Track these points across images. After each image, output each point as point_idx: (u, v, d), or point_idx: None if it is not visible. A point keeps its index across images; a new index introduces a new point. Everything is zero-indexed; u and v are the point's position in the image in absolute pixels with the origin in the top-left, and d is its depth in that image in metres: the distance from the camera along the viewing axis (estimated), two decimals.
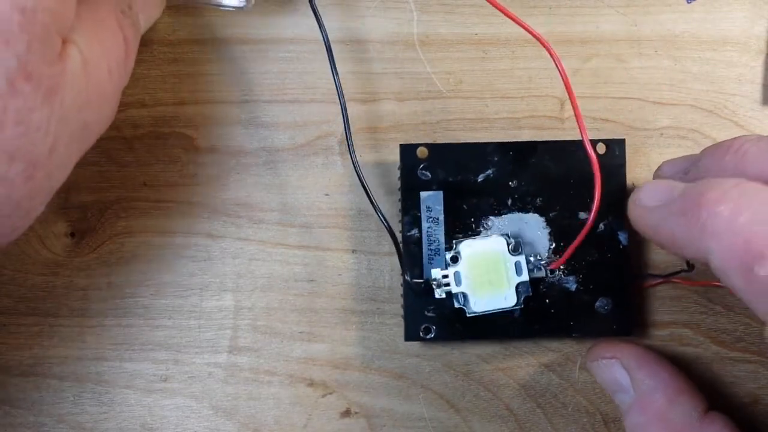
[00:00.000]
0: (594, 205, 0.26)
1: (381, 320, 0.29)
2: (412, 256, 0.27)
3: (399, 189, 0.28)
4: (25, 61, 0.18)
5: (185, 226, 0.29)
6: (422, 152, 0.27)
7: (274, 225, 0.29)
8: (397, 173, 0.28)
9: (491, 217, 0.28)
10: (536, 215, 0.28)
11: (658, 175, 0.27)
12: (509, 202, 0.28)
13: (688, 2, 0.30)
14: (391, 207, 0.29)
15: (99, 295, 0.29)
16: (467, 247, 0.27)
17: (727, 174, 0.23)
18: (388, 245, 0.29)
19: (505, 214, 0.28)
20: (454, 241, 0.27)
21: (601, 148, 0.28)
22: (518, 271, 0.27)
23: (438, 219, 0.27)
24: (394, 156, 0.28)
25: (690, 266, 0.27)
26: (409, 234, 0.27)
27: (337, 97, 0.27)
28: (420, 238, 0.27)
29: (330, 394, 0.29)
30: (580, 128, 0.25)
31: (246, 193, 0.29)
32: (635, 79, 0.30)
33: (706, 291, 0.29)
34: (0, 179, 0.19)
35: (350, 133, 0.27)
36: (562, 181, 0.28)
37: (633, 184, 0.29)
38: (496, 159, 0.28)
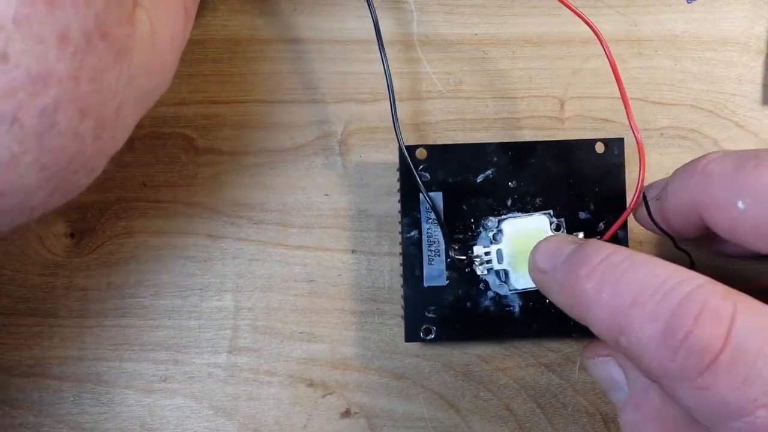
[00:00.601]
0: (638, 185, 0.26)
1: (381, 320, 0.29)
2: (411, 257, 0.27)
3: (398, 190, 0.28)
4: (102, 20, 0.18)
5: (185, 226, 0.29)
6: (421, 153, 0.27)
7: (274, 225, 0.29)
8: (397, 174, 0.28)
9: (491, 218, 0.28)
10: (542, 216, 0.28)
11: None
12: (509, 202, 0.28)
13: (688, 2, 0.30)
14: (390, 208, 0.29)
15: (99, 295, 0.29)
16: (509, 225, 0.27)
17: (695, 196, 0.23)
18: (388, 245, 0.29)
19: (506, 214, 0.28)
20: (497, 219, 0.27)
21: (600, 147, 0.28)
22: None
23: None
24: (394, 156, 0.28)
25: (691, 264, 0.27)
26: (408, 235, 0.27)
27: (387, 91, 0.27)
28: (420, 239, 0.27)
29: (330, 394, 0.29)
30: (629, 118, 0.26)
31: (246, 193, 0.29)
32: (635, 79, 0.30)
33: None
34: (73, 134, 0.19)
35: (397, 122, 0.27)
36: (561, 181, 0.28)
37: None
38: (495, 159, 0.28)
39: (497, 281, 0.27)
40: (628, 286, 0.21)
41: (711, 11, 0.30)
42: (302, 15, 0.29)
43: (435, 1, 0.29)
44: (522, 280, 0.27)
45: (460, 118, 0.29)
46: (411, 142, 0.29)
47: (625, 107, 0.26)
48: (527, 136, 0.29)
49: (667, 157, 0.29)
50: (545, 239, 0.25)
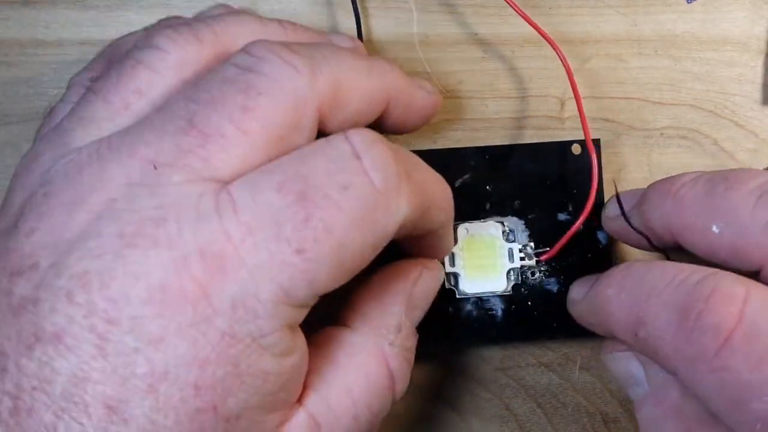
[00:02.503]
0: (591, 195, 0.26)
1: None
2: None
3: None
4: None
5: None
6: None
7: None
8: None
9: (468, 222, 0.28)
10: (515, 218, 0.28)
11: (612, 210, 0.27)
12: (487, 206, 0.28)
13: (688, 2, 0.30)
14: None
15: None
16: (464, 230, 0.27)
17: (669, 220, 0.23)
18: None
19: (484, 218, 0.28)
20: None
21: (577, 149, 0.28)
22: (510, 258, 0.27)
23: None
24: None
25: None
26: None
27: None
28: None
29: None
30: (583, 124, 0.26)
31: None
32: (635, 79, 0.30)
33: None
34: None
35: None
36: (539, 183, 0.28)
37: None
38: (472, 164, 0.28)
39: (447, 283, 0.27)
40: (645, 282, 0.21)
41: (711, 11, 0.30)
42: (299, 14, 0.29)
43: (435, 1, 0.29)
44: (472, 285, 0.27)
45: (460, 118, 0.29)
46: (409, 144, 0.29)
47: (579, 109, 0.27)
48: (527, 136, 0.29)
49: (667, 157, 0.29)
50: (577, 280, 0.26)
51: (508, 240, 0.28)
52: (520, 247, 0.28)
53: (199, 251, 0.18)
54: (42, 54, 0.28)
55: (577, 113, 0.29)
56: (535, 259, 0.28)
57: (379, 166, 0.19)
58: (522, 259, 0.28)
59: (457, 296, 0.27)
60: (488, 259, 0.27)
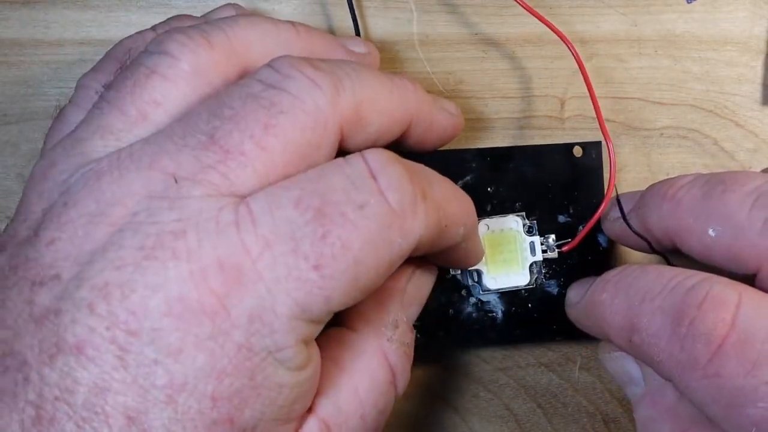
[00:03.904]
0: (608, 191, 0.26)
1: None
2: None
3: None
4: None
5: None
6: None
7: None
8: None
9: (488, 217, 0.28)
10: (516, 217, 0.28)
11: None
12: (488, 208, 0.28)
13: (688, 2, 0.30)
14: None
15: None
16: (484, 226, 0.27)
17: (667, 223, 0.23)
18: None
19: (486, 218, 0.28)
20: None
21: (578, 151, 0.28)
22: (532, 251, 0.27)
23: None
24: None
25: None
26: None
27: None
28: None
29: None
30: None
31: None
32: (635, 79, 0.30)
33: None
34: None
35: None
36: (540, 185, 0.28)
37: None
38: (473, 165, 0.28)
39: (470, 280, 0.27)
40: (639, 287, 0.21)
41: (711, 11, 0.30)
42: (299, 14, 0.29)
43: (435, 1, 0.29)
44: (493, 281, 0.27)
45: None
46: None
47: (596, 113, 0.27)
48: (527, 135, 0.29)
49: (667, 157, 0.29)
50: (575, 282, 0.27)
51: (529, 233, 0.27)
52: (541, 240, 0.27)
53: (218, 264, 0.18)
54: (42, 54, 0.28)
55: (577, 113, 0.30)
56: (557, 251, 0.28)
57: (395, 186, 0.19)
58: (544, 252, 0.27)
59: (482, 292, 0.27)
60: (510, 254, 0.27)
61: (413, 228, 0.19)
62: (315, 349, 0.20)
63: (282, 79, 0.20)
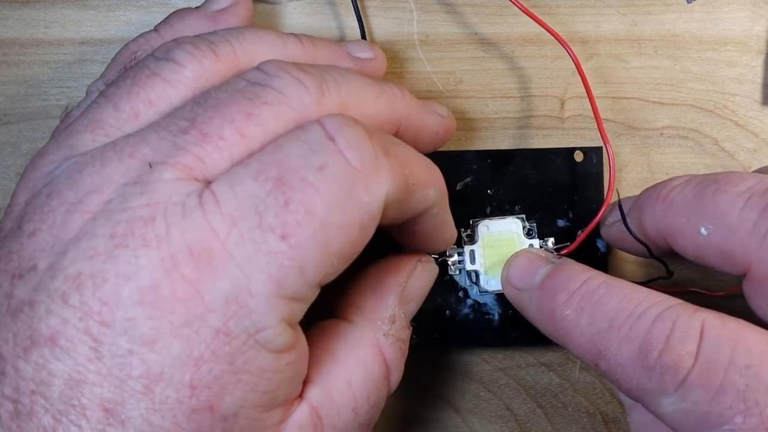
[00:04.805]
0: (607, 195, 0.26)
1: None
2: None
3: None
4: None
5: None
6: None
7: None
8: None
9: (488, 219, 0.27)
10: (516, 219, 0.28)
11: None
12: (488, 210, 0.28)
13: (688, 2, 0.30)
14: None
15: None
16: (484, 228, 0.27)
17: (660, 223, 0.23)
18: None
19: (486, 219, 0.28)
20: (471, 221, 0.28)
21: (579, 156, 0.28)
22: None
23: None
24: None
25: (669, 273, 0.27)
26: None
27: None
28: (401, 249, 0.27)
29: None
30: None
31: None
32: (635, 78, 0.30)
33: (685, 297, 0.29)
34: None
35: None
36: (540, 189, 0.28)
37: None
38: (474, 167, 0.28)
39: (468, 281, 0.27)
40: (605, 311, 0.21)
41: (711, 11, 0.30)
42: (299, 14, 0.29)
43: (435, 1, 0.29)
44: (492, 282, 0.27)
45: (460, 118, 0.29)
46: None
47: (596, 117, 0.27)
48: (527, 135, 0.29)
49: (667, 157, 0.29)
50: (518, 254, 0.26)
51: (528, 236, 0.27)
52: (540, 243, 0.27)
53: (187, 249, 0.18)
54: (42, 54, 0.28)
55: (577, 113, 0.30)
56: (556, 254, 0.28)
57: (354, 144, 0.19)
58: None
59: (479, 293, 0.27)
60: (509, 256, 0.27)
61: (378, 184, 0.19)
62: (300, 335, 0.20)
63: (268, 77, 0.20)
